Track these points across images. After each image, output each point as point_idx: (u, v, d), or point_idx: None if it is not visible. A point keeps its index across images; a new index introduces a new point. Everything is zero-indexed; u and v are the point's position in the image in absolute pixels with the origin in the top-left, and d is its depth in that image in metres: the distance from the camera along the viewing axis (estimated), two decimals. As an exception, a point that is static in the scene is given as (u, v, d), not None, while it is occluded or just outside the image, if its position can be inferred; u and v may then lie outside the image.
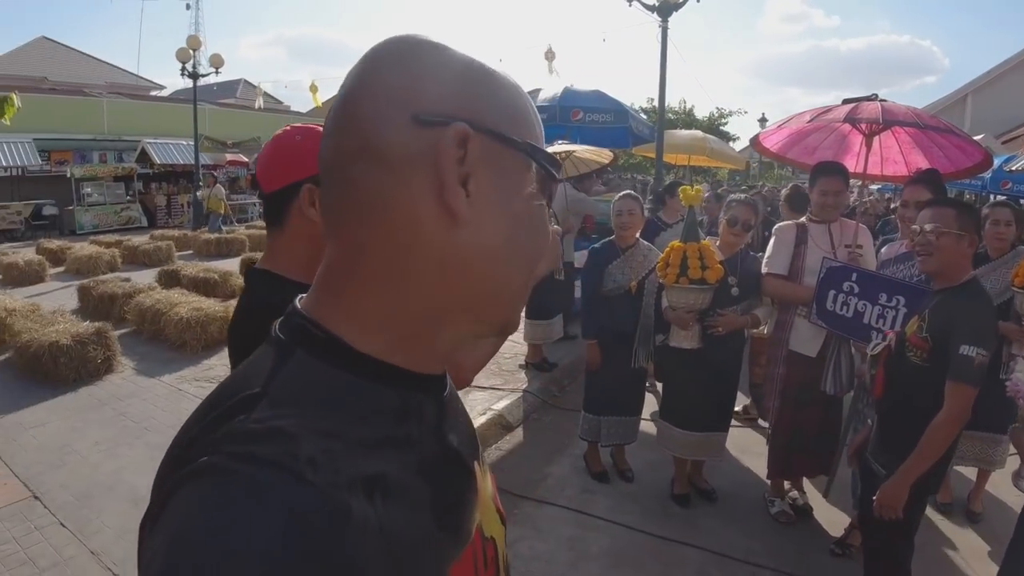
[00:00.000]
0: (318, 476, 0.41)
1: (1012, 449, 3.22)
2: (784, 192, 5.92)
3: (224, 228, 13.75)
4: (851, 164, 3.49)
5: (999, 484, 3.58)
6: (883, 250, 3.43)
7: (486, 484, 0.63)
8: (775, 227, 3.41)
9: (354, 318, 0.50)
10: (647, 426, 4.15)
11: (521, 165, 0.52)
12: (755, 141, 3.72)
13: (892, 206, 9.82)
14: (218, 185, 14.60)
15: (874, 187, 16.16)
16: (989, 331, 2.11)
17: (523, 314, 5.27)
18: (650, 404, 4.35)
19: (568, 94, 7.80)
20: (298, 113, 25.81)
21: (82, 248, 10.63)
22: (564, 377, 5.49)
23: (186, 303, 6.42)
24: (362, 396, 0.48)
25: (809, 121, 3.02)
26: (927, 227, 2.15)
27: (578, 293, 4.99)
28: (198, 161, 16.27)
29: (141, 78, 30.94)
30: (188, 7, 46.94)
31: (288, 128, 1.32)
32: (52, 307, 6.62)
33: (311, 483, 0.41)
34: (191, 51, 14.77)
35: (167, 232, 13.61)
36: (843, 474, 3.20)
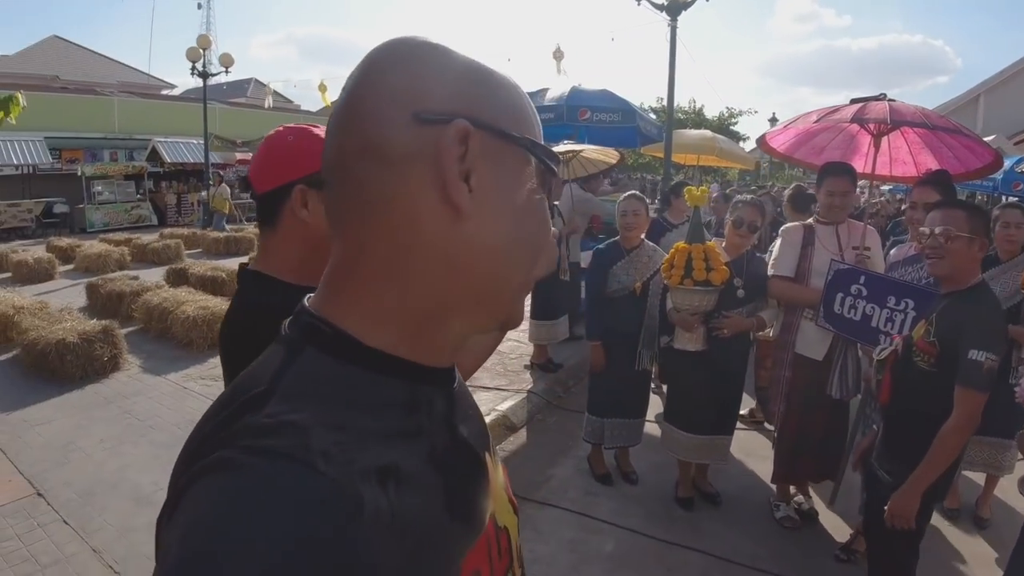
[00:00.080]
0: (330, 467, 0.42)
1: (1020, 455, 3.17)
2: (787, 192, 5.87)
3: (227, 227, 13.79)
4: (860, 164, 3.45)
5: (1008, 490, 3.52)
6: (892, 252, 3.39)
7: (497, 475, 0.64)
8: (781, 228, 3.37)
9: (361, 314, 0.51)
10: (652, 428, 4.12)
11: (521, 160, 0.53)
12: (761, 141, 3.68)
13: (903, 207, 9.73)
14: (223, 185, 14.64)
15: (885, 188, 16.04)
16: (998, 335, 2.07)
17: (528, 314, 5.34)
18: (655, 406, 4.32)
19: (575, 93, 7.77)
20: (308, 112, 25.92)
21: (91, 246, 10.70)
22: (569, 378, 5.46)
23: (193, 302, 6.45)
24: (372, 389, 0.49)
25: (816, 121, 2.98)
26: (937, 230, 2.11)
27: (584, 294, 4.96)
28: (208, 160, 16.35)
29: (152, 77, 31.16)
30: (199, 6, 47.31)
31: (281, 128, 1.30)
32: (60, 305, 6.67)
33: (323, 473, 0.41)
34: (201, 50, 14.86)
35: (176, 231, 13.67)
36: (849, 479, 3.16)
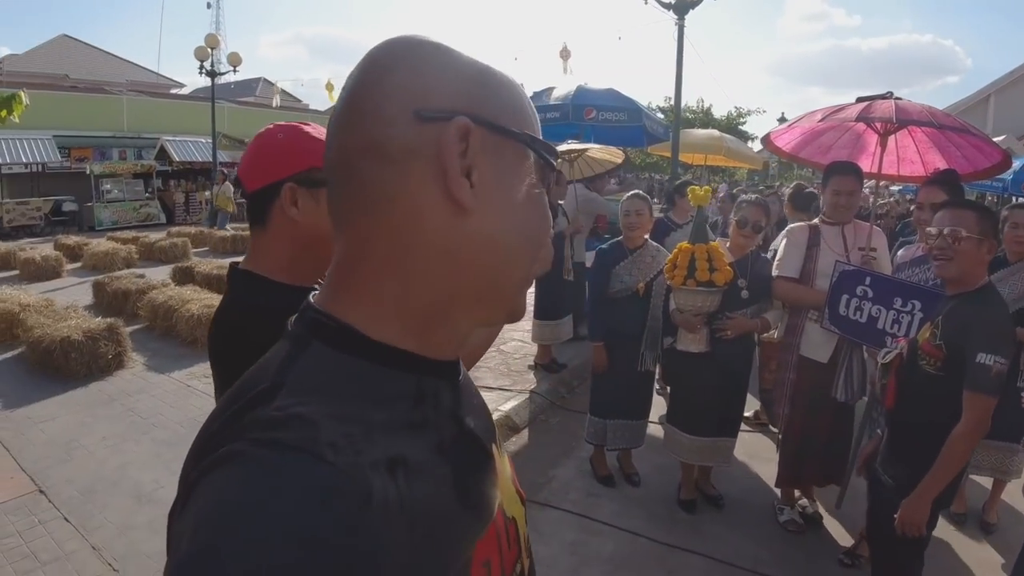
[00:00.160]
0: (339, 458, 0.42)
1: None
2: (788, 191, 5.81)
3: (229, 227, 13.82)
4: (867, 164, 3.40)
5: (1015, 494, 3.48)
6: (900, 253, 3.35)
7: (504, 466, 0.64)
8: (786, 229, 3.33)
9: (366, 309, 0.52)
10: (655, 429, 4.09)
11: (521, 155, 0.54)
12: (767, 140, 3.63)
13: (911, 208, 9.67)
14: (227, 183, 14.68)
15: (895, 188, 15.92)
16: (1007, 338, 2.02)
17: (532, 314, 5.32)
18: (659, 407, 4.30)
19: (581, 92, 7.72)
20: (316, 111, 25.97)
21: (99, 244, 10.76)
22: (573, 378, 5.44)
23: (198, 300, 6.46)
24: (379, 382, 0.50)
25: (821, 120, 2.94)
26: (945, 230, 2.07)
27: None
28: (216, 159, 16.41)
29: (161, 76, 31.31)
30: (209, 6, 47.57)
31: (271, 126, 1.29)
32: (67, 303, 6.70)
33: (333, 464, 0.42)
34: (209, 50, 14.91)
35: (184, 229, 13.73)
36: (856, 483, 3.11)
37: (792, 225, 3.36)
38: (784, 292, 3.17)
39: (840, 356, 3.04)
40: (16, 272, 9.57)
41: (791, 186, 5.63)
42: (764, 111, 32.41)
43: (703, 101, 31.27)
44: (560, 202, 5.36)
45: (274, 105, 18.34)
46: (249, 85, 34.88)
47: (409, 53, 0.52)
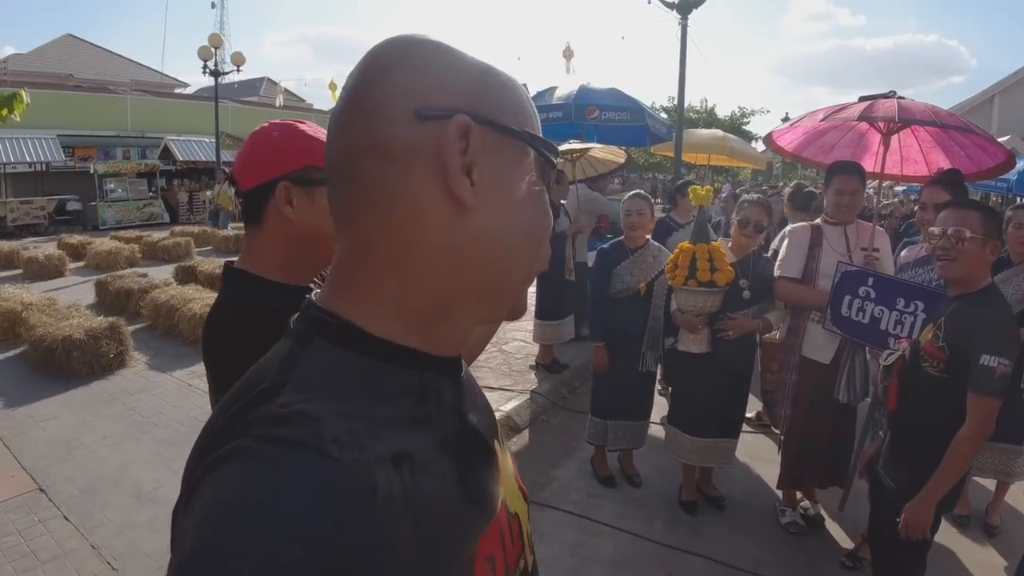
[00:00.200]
0: (344, 453, 0.42)
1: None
2: (787, 190, 5.79)
3: (231, 226, 13.84)
4: (870, 164, 3.38)
5: (1018, 497, 3.46)
6: (903, 253, 3.32)
7: (507, 462, 0.65)
8: (788, 229, 3.31)
9: (368, 306, 0.52)
10: (657, 430, 4.07)
11: (521, 153, 0.54)
12: (769, 140, 3.61)
13: (915, 208, 9.63)
14: (227, 182, 14.70)
15: (899, 189, 15.86)
16: (1011, 339, 1.99)
17: (534, 315, 5.30)
18: (661, 408, 4.28)
19: (584, 92, 7.70)
20: (320, 111, 26.00)
21: (102, 243, 10.78)
22: (575, 379, 5.42)
23: (200, 299, 6.47)
24: (381, 378, 0.50)
25: (823, 119, 2.91)
26: (949, 230, 2.05)
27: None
28: (219, 158, 16.43)
29: (166, 76, 31.39)
30: (213, 5, 47.58)
31: (266, 124, 1.28)
32: (69, 302, 6.71)
33: (337, 460, 0.42)
34: (213, 49, 14.92)
35: (187, 228, 13.75)
36: (859, 485, 3.10)
37: (795, 225, 3.33)
38: (786, 292, 3.15)
39: (842, 357, 3.02)
40: (19, 271, 9.60)
41: (791, 185, 5.60)
42: (768, 111, 32.36)
43: (707, 101, 31.27)
44: (562, 202, 5.34)
45: (277, 105, 18.36)
46: (253, 85, 34.94)
47: (409, 52, 0.52)
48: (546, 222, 0.57)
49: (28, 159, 15.91)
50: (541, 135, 0.56)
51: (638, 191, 3.70)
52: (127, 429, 4.33)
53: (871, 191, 4.78)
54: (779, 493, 3.44)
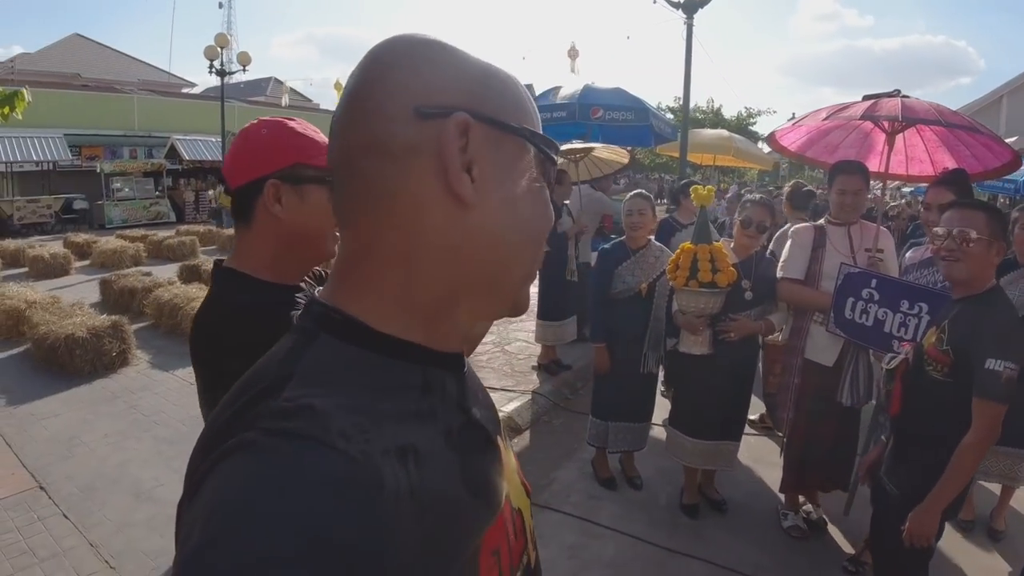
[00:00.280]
0: (350, 446, 0.43)
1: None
2: (786, 190, 5.75)
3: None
4: (875, 163, 3.34)
5: (1024, 501, 3.42)
6: (908, 254, 3.29)
7: (509, 458, 0.65)
8: (791, 229, 3.28)
9: (371, 303, 0.52)
10: (659, 432, 4.05)
11: (521, 150, 0.54)
12: (771, 139, 3.58)
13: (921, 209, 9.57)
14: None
15: (907, 190, 15.77)
16: (1017, 343, 1.96)
17: (536, 315, 5.28)
18: (663, 410, 4.25)
19: (588, 92, 7.66)
20: (326, 111, 26.05)
21: (107, 242, 10.82)
22: (577, 379, 5.39)
23: (203, 298, 6.46)
24: (386, 373, 0.50)
25: (826, 119, 2.88)
26: (954, 231, 2.01)
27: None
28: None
29: (173, 75, 31.50)
30: (221, 5, 47.77)
31: (255, 121, 1.26)
32: (73, 300, 6.72)
33: (344, 452, 0.42)
34: (219, 49, 14.95)
35: (192, 227, 13.80)
36: (862, 489, 3.06)
37: (798, 225, 3.30)
38: (789, 294, 3.12)
39: (846, 360, 2.99)
40: (25, 269, 9.64)
41: (789, 185, 5.56)
42: (775, 111, 32.19)
43: (713, 101, 31.14)
44: (565, 202, 5.32)
45: (283, 104, 18.44)
46: (259, 85, 35.05)
47: (410, 51, 0.52)
48: (547, 218, 0.57)
49: (35, 158, 15.99)
50: (541, 132, 0.56)
51: (639, 190, 3.68)
52: (128, 427, 4.33)
53: (877, 191, 4.73)
54: (781, 496, 3.41)
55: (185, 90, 30.11)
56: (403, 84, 0.50)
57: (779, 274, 3.15)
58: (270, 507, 0.39)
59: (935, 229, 2.14)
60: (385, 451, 0.44)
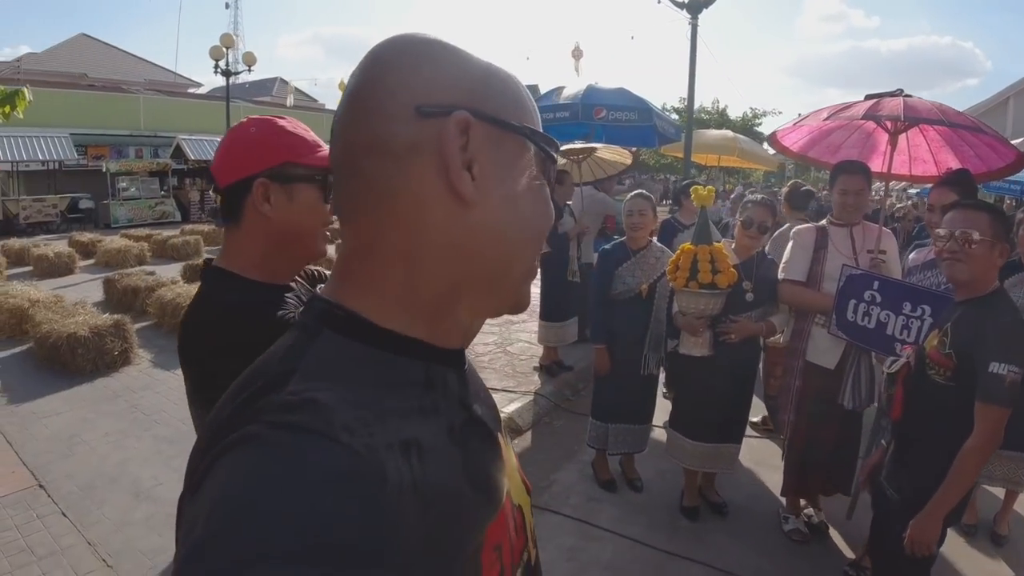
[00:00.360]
0: (354, 439, 0.43)
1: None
2: (784, 190, 5.72)
3: None
4: (878, 164, 3.31)
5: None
6: (911, 256, 3.26)
7: (510, 455, 0.65)
8: (793, 230, 3.25)
9: (373, 299, 0.52)
10: (659, 434, 4.02)
11: (521, 148, 0.55)
12: (773, 139, 3.55)
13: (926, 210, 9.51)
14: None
15: (913, 191, 15.68)
16: (1021, 346, 1.92)
17: (538, 316, 5.26)
18: (664, 412, 4.23)
19: (591, 92, 7.63)
20: (331, 111, 26.04)
21: (112, 241, 10.85)
22: (579, 380, 5.37)
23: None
24: (388, 368, 0.51)
25: (827, 118, 2.85)
26: (957, 232, 1.99)
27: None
28: (230, 157, 16.50)
29: (179, 76, 31.62)
30: (227, 6, 47.98)
31: (245, 120, 1.26)
32: (77, 299, 6.74)
33: (348, 445, 0.42)
34: (225, 49, 14.99)
35: (197, 227, 13.83)
36: (865, 493, 3.03)
37: (800, 226, 3.27)
38: (790, 296, 3.09)
39: (848, 362, 2.96)
40: (30, 268, 9.68)
41: (787, 185, 5.53)
42: (780, 112, 32.09)
43: (718, 102, 31.10)
44: (568, 203, 5.30)
45: (288, 104, 18.47)
46: (265, 85, 35.15)
47: (410, 50, 0.53)
48: (547, 216, 0.58)
49: (41, 157, 16.03)
50: (541, 131, 0.57)
51: (640, 191, 3.65)
52: (128, 426, 4.33)
53: (881, 192, 4.70)
54: (783, 500, 3.38)
55: (191, 90, 30.24)
56: (404, 83, 0.51)
57: (780, 275, 3.12)
58: (273, 502, 0.38)
59: (937, 230, 2.11)
60: (388, 445, 0.45)
